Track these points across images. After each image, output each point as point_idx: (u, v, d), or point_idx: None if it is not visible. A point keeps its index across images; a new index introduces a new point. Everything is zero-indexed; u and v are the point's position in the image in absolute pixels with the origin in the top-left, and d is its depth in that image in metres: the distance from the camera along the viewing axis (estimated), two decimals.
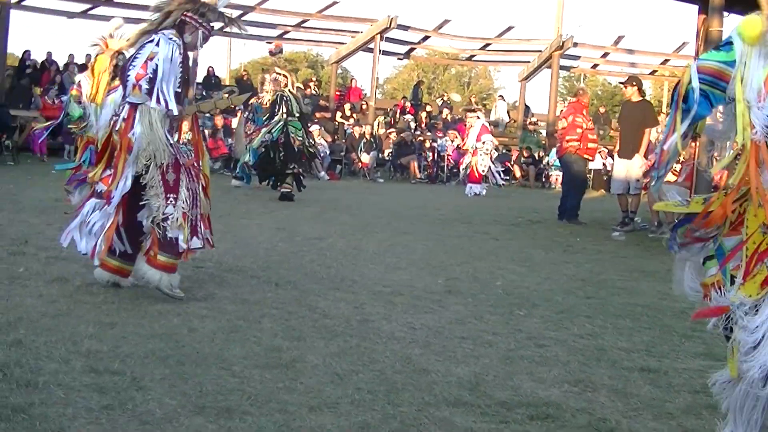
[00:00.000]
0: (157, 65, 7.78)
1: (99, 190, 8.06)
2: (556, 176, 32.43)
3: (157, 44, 7.84)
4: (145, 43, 7.90)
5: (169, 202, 7.86)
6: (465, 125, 25.73)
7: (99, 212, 8.03)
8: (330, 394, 5.62)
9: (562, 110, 37.23)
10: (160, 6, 8.16)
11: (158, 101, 7.83)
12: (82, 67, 29.61)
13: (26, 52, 32.16)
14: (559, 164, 31.39)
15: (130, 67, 7.84)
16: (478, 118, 26.44)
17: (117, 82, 10.87)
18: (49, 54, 32.34)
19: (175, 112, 7.88)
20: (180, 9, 8.07)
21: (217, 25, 8.45)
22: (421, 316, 8.07)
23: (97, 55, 11.31)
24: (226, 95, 9.46)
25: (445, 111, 38.69)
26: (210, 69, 35.66)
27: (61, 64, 31.73)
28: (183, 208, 7.90)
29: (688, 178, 15.81)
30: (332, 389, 5.72)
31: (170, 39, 7.91)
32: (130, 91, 7.81)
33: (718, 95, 4.60)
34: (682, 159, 18.41)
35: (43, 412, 4.92)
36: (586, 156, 18.81)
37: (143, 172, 7.85)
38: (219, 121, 28.22)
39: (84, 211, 8.13)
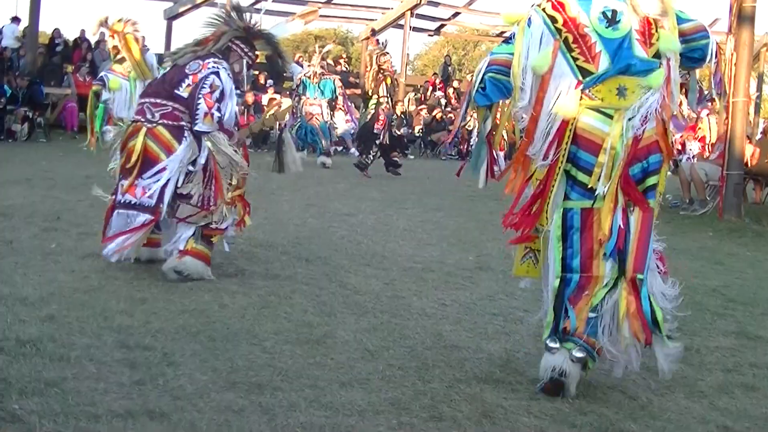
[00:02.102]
0: (218, 97, 7.86)
1: (128, 201, 8.01)
2: None
3: (218, 75, 7.92)
4: (205, 75, 7.91)
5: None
6: None
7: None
8: (361, 370, 5.63)
9: None
10: (214, 23, 8.21)
11: (230, 128, 8.07)
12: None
13: (55, 30, 32.16)
14: None
15: (199, 96, 7.83)
16: None
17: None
18: (82, 32, 32.31)
19: (221, 117, 7.95)
20: (230, 35, 8.16)
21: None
22: (452, 292, 8.06)
23: (125, 36, 11.35)
24: (272, 113, 9.50)
25: None
26: None
27: (92, 42, 31.72)
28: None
29: (720, 156, 15.68)
30: (363, 365, 5.72)
31: (229, 75, 8.04)
32: (201, 119, 7.82)
33: None
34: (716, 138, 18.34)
35: (76, 386, 4.94)
36: None
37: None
38: (249, 98, 28.19)
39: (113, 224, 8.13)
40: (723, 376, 6.06)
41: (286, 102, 13.18)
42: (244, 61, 8.34)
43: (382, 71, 20.30)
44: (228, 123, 8.01)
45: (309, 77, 21.84)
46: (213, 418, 4.65)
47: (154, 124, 7.90)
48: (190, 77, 7.91)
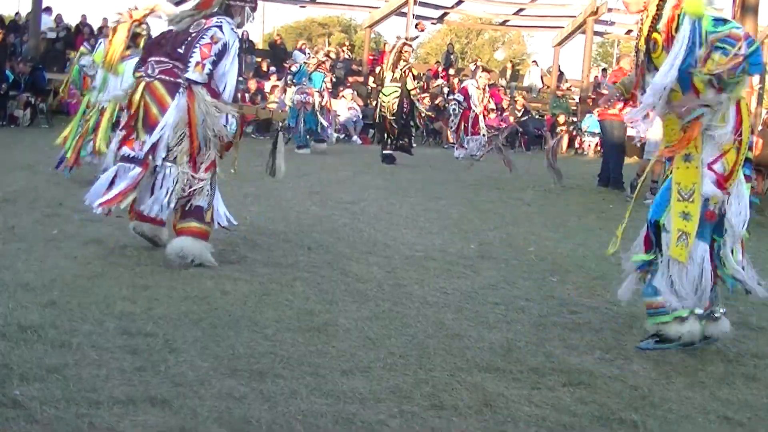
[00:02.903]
0: (220, 49, 7.84)
1: (126, 155, 8.02)
2: (589, 142, 32.30)
3: (221, 29, 7.89)
4: (207, 27, 7.88)
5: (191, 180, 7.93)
6: (478, 86, 25.17)
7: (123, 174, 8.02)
8: (362, 357, 5.63)
9: (597, 76, 37.12)
10: None
11: (217, 90, 7.95)
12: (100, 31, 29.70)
13: (58, 16, 32.17)
14: (592, 130, 31.38)
15: (195, 45, 7.81)
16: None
17: (128, 52, 10.99)
18: (84, 17, 32.32)
19: (229, 104, 7.93)
20: None
21: None
22: (454, 280, 8.06)
23: (118, 22, 11.36)
24: (271, 108, 9.53)
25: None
26: (245, 33, 35.52)
27: (95, 28, 31.70)
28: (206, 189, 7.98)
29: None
30: (364, 353, 5.73)
31: (233, 29, 8.01)
32: (192, 67, 7.80)
33: None
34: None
35: (77, 372, 4.95)
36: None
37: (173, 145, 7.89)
38: (252, 84, 28.23)
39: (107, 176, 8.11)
40: (724, 367, 6.06)
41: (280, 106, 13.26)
42: (246, 9, 8.26)
43: (404, 61, 20.46)
44: (224, 82, 7.97)
45: (307, 64, 22.11)
46: (214, 405, 4.66)
47: (153, 79, 7.95)
48: (193, 34, 7.92)
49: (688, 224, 6.17)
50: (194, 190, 7.90)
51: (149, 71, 7.98)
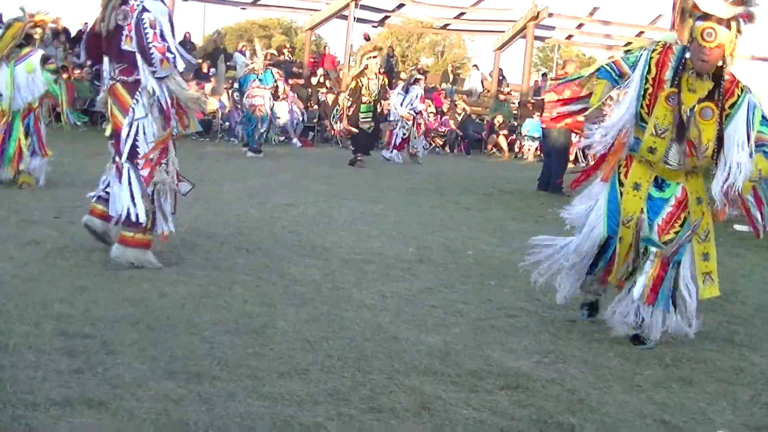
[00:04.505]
0: (161, 28, 7.79)
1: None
2: (529, 146, 32.45)
3: (146, 9, 7.80)
4: (137, 15, 7.78)
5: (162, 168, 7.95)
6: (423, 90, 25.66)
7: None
8: (300, 360, 5.63)
9: (537, 80, 37.26)
10: None
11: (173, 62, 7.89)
12: (55, 32, 29.46)
13: None
14: (532, 134, 31.55)
15: (148, 43, 7.75)
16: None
17: (26, 50, 11.01)
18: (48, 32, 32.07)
19: (183, 65, 7.90)
20: None
21: None
22: (392, 284, 8.08)
23: (14, 21, 11.36)
24: (212, 38, 9.59)
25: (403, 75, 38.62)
26: (187, 34, 35.38)
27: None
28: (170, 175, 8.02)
29: None
30: (302, 356, 5.73)
31: None
32: (159, 66, 7.76)
33: None
34: None
35: (13, 374, 4.92)
36: (575, 130, 18.91)
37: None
38: (193, 86, 28.14)
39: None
40: (661, 371, 6.13)
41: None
42: None
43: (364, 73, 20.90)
44: (175, 50, 7.92)
45: (254, 71, 22.21)
46: (151, 407, 4.65)
47: (115, 81, 7.98)
48: (125, 27, 7.85)
49: (709, 264, 6.72)
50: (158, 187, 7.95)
51: (113, 74, 7.98)
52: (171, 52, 7.77)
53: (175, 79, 7.89)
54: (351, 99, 21.33)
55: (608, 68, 6.80)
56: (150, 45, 7.73)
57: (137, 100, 7.83)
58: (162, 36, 7.77)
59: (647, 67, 6.51)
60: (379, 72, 21.67)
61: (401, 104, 24.46)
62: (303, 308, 6.95)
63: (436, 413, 4.96)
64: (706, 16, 6.20)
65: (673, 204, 6.58)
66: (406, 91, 24.93)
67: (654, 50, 6.56)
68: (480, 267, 9.22)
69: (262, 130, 21.92)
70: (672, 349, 6.62)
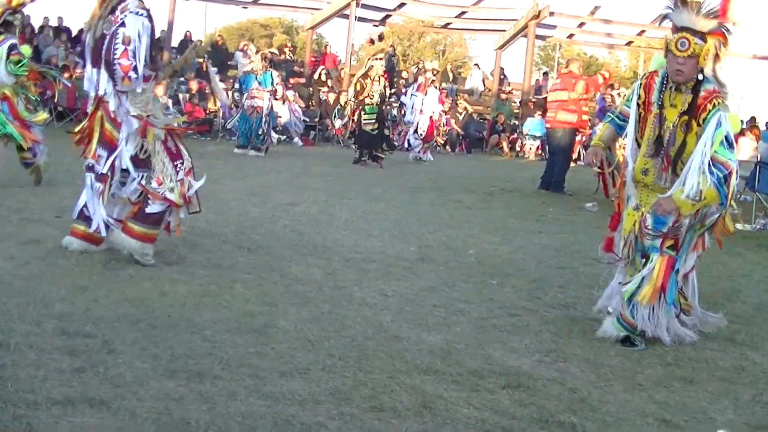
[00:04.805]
0: (135, 46, 7.75)
1: (89, 165, 8.08)
2: (530, 146, 32.41)
3: (124, 24, 7.77)
4: (115, 29, 7.79)
5: (176, 168, 7.93)
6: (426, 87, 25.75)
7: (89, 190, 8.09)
8: (301, 359, 5.63)
9: (538, 79, 37.23)
10: None
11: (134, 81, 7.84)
12: (57, 31, 29.46)
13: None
14: (533, 133, 31.52)
15: (114, 60, 7.75)
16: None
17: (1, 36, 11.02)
18: (27, 17, 31.95)
19: (141, 89, 7.87)
20: None
21: None
22: (394, 283, 8.07)
23: None
24: (191, 48, 9.49)
25: (420, 78, 38.57)
26: (187, 33, 35.31)
27: (36, 27, 31.37)
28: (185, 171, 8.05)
29: None
30: (304, 355, 5.73)
31: (136, 13, 7.86)
32: (120, 82, 7.76)
33: None
34: None
35: (15, 373, 4.92)
36: (579, 129, 19.02)
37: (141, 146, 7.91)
38: (194, 85, 28.09)
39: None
40: (662, 370, 6.13)
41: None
42: None
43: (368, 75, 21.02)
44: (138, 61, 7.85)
45: (253, 72, 22.27)
46: (153, 406, 4.64)
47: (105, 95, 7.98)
48: (108, 38, 7.86)
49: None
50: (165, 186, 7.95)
51: (104, 86, 7.97)
52: (135, 72, 7.73)
53: (134, 96, 7.87)
54: (355, 101, 21.32)
55: (613, 115, 7.18)
56: (116, 61, 7.74)
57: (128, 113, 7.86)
58: (134, 54, 7.76)
59: (638, 95, 6.74)
60: (383, 74, 21.66)
61: (419, 106, 24.71)
62: (304, 307, 6.95)
63: (438, 412, 4.96)
64: (681, 29, 6.34)
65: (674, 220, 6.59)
66: (417, 92, 25.15)
67: (643, 76, 6.84)
68: (481, 266, 9.21)
69: (259, 132, 21.89)
70: (673, 348, 6.61)
